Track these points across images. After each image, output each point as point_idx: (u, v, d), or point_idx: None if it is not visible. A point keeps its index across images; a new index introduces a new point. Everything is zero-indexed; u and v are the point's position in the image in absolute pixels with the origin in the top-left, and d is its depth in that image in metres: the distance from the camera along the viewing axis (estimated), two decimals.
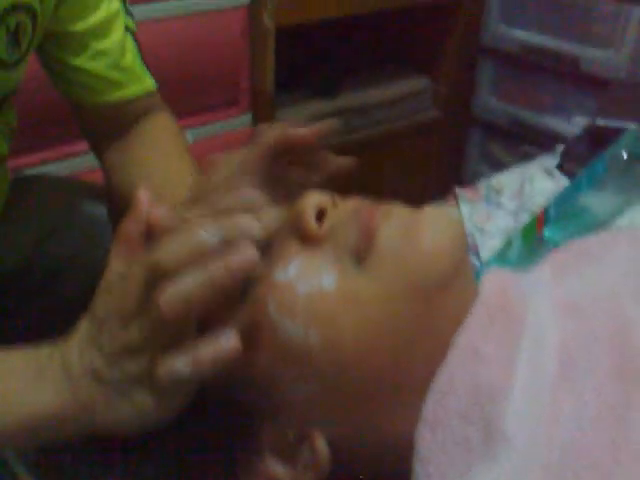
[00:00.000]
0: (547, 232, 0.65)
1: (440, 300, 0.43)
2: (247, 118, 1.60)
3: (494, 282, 0.47)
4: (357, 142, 1.83)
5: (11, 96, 0.74)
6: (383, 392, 0.43)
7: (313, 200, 0.46)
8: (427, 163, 2.07)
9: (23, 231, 0.83)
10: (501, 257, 0.72)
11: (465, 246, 0.47)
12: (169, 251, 0.41)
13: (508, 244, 0.72)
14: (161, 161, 0.76)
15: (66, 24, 0.73)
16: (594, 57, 1.70)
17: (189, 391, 0.44)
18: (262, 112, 1.61)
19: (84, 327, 0.45)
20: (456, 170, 2.14)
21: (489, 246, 0.86)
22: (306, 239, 0.45)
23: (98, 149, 0.82)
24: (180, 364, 0.40)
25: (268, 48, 1.55)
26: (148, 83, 0.79)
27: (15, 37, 0.67)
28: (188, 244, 0.41)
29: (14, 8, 0.65)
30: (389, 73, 2.00)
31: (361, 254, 0.43)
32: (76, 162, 1.31)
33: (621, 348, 0.41)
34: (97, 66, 0.75)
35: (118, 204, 0.76)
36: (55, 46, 0.75)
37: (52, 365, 0.44)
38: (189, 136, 1.42)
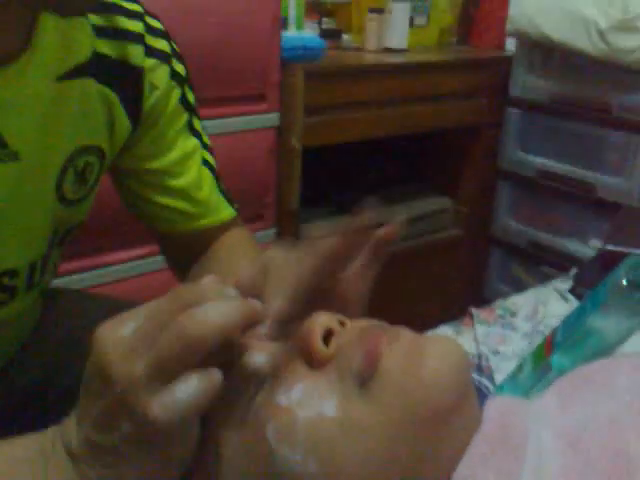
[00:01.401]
0: (555, 357, 0.65)
1: (442, 431, 0.42)
2: (271, 233, 1.64)
3: (496, 411, 0.46)
4: None
5: (76, 229, 0.74)
6: None
7: (320, 320, 0.45)
8: (447, 281, 2.08)
9: (47, 347, 0.81)
10: (512, 381, 0.72)
11: (469, 376, 0.46)
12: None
13: (519, 368, 0.72)
14: (233, 260, 0.75)
15: (141, 162, 0.75)
16: (608, 183, 1.74)
17: (186, 445, 0.41)
18: (286, 227, 1.65)
19: (79, 400, 0.41)
20: (476, 288, 2.15)
21: (504, 369, 0.85)
22: (312, 360, 0.44)
23: (176, 267, 0.84)
24: (178, 395, 0.38)
25: (294, 167, 1.61)
26: (224, 214, 0.80)
27: (82, 176, 0.68)
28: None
29: (84, 150, 0.67)
30: (411, 192, 2.05)
31: (364, 378, 0.42)
32: (98, 274, 1.33)
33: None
34: (171, 202, 0.77)
35: None
36: (130, 180, 0.77)
37: (55, 450, 0.41)
38: None
